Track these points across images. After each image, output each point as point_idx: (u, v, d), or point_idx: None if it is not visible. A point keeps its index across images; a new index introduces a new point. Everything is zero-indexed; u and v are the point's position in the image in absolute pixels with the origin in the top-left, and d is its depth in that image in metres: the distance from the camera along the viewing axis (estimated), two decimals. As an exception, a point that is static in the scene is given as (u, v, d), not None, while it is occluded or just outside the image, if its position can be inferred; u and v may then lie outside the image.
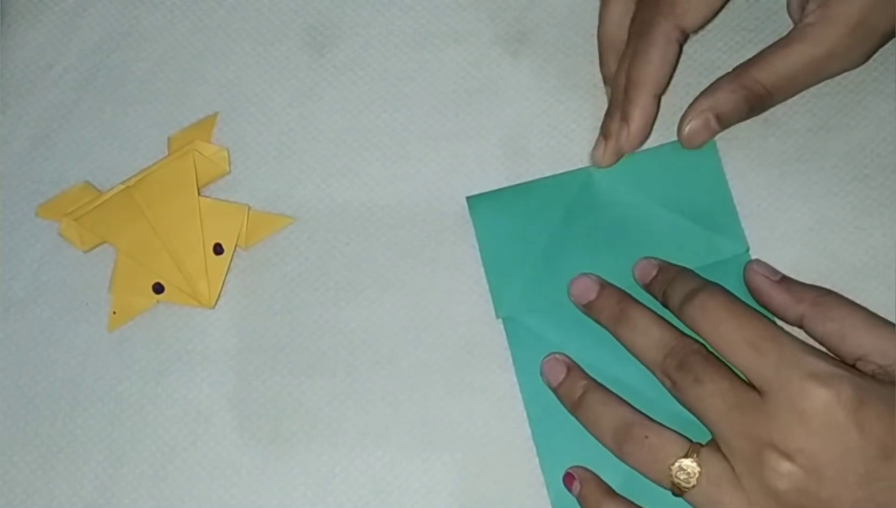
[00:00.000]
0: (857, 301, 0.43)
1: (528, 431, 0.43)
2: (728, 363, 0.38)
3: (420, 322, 0.45)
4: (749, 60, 0.43)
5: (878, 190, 0.45)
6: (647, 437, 0.39)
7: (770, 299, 0.41)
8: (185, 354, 0.46)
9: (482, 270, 0.45)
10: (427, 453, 0.43)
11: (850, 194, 0.45)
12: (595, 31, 0.47)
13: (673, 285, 0.41)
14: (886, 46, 0.46)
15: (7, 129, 0.49)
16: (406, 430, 0.44)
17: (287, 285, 0.46)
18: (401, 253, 0.46)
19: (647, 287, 0.43)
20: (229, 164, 0.48)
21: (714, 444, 0.38)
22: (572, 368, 0.42)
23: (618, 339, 0.41)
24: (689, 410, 0.39)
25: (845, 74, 0.46)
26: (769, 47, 0.43)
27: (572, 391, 0.41)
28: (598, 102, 0.47)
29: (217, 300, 0.46)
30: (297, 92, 0.49)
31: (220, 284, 0.46)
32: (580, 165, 0.46)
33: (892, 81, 0.46)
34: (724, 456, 0.37)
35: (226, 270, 0.46)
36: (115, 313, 0.46)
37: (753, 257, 0.44)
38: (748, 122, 0.46)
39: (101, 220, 0.46)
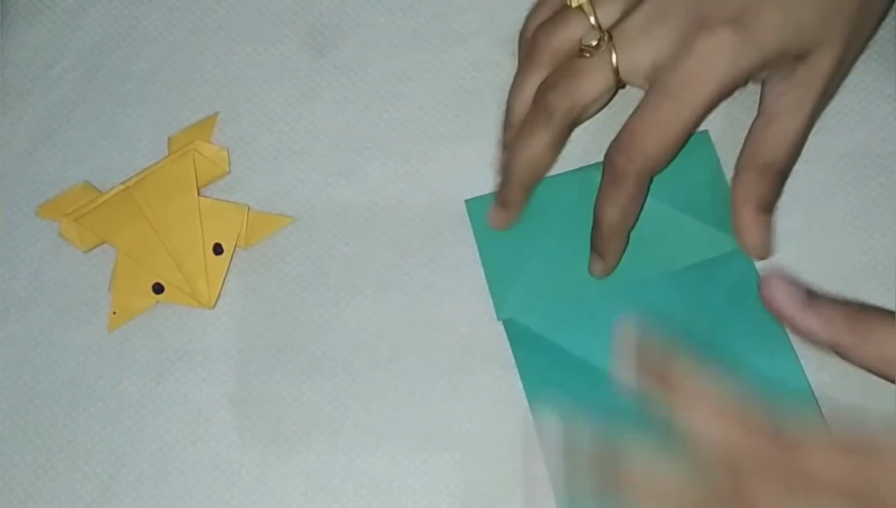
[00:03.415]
0: (857, 301, 0.44)
1: (528, 430, 0.43)
2: None
3: (420, 322, 0.45)
4: (748, 146, 0.43)
5: (878, 190, 0.45)
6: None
7: (795, 326, 0.37)
8: (185, 354, 0.46)
9: (482, 270, 0.45)
10: (427, 453, 0.43)
11: (850, 195, 0.45)
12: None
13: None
14: (886, 47, 0.46)
15: (7, 129, 0.49)
16: (406, 430, 0.44)
17: (287, 285, 0.46)
18: (401, 253, 0.46)
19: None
20: (229, 164, 0.48)
21: None
22: None
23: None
24: None
25: (845, 74, 0.46)
26: (753, 126, 0.43)
27: None
28: (598, 102, 0.47)
29: (217, 300, 0.46)
30: (297, 92, 0.49)
31: (220, 284, 0.46)
32: (580, 165, 0.46)
33: (892, 81, 0.46)
34: None
35: (226, 270, 0.46)
36: (115, 313, 0.46)
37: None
38: (748, 122, 0.46)
39: (101, 220, 0.46)
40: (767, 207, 0.43)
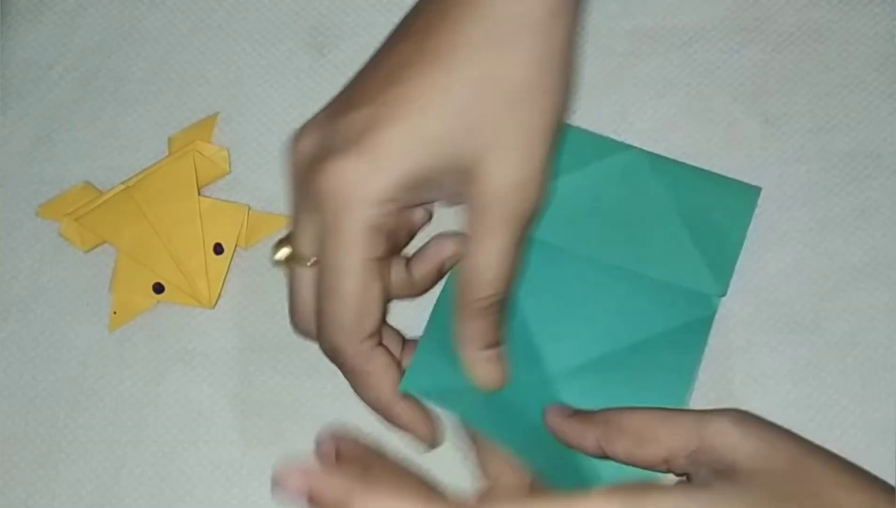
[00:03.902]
0: (857, 301, 0.44)
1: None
2: None
3: (420, 322, 0.45)
4: (458, 286, 0.38)
5: (879, 190, 0.45)
6: None
7: (565, 435, 0.39)
8: (186, 354, 0.46)
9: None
10: (428, 453, 0.43)
11: (850, 195, 0.45)
12: (594, 30, 0.47)
13: None
14: (886, 47, 0.46)
15: (7, 129, 0.49)
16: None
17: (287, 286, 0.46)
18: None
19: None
20: (229, 164, 0.48)
21: None
22: None
23: None
24: None
25: (846, 74, 0.46)
26: (462, 266, 0.38)
27: None
28: (598, 102, 0.47)
29: (217, 300, 0.46)
30: (297, 92, 0.49)
31: (221, 284, 0.46)
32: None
33: (892, 81, 0.46)
34: None
35: (226, 270, 0.46)
36: (115, 312, 0.46)
37: (751, 260, 0.44)
38: (748, 122, 0.46)
39: (101, 220, 0.46)
40: (494, 341, 0.39)
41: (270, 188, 0.47)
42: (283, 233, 0.41)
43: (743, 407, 0.43)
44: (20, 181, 0.48)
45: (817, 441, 0.43)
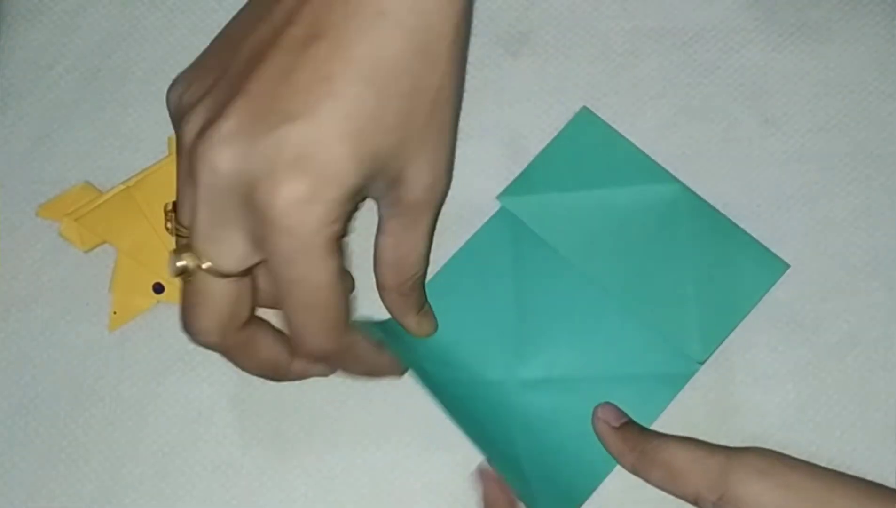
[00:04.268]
0: (857, 301, 0.44)
1: (529, 431, 0.43)
2: None
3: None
4: (378, 265, 0.41)
5: (879, 190, 0.45)
6: None
7: (609, 446, 0.42)
8: (186, 354, 0.46)
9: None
10: (428, 453, 0.43)
11: (850, 195, 0.45)
12: (594, 30, 0.47)
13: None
14: (886, 47, 0.46)
15: (7, 129, 0.49)
16: (407, 430, 0.44)
17: (287, 285, 0.46)
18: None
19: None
20: (229, 164, 0.48)
21: None
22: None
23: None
24: None
25: (846, 74, 0.46)
26: (379, 246, 0.40)
27: None
28: (598, 101, 0.47)
29: (217, 300, 0.46)
30: (297, 92, 0.49)
31: (221, 284, 0.46)
32: (580, 166, 0.46)
33: (892, 82, 0.46)
34: None
35: (226, 270, 0.46)
36: (115, 313, 0.46)
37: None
38: (748, 122, 0.46)
39: (101, 220, 0.46)
40: (423, 303, 0.43)
41: (270, 188, 0.47)
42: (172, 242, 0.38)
43: (743, 407, 0.43)
44: (20, 181, 0.48)
45: (817, 442, 0.43)
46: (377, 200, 0.40)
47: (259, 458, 0.44)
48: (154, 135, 0.48)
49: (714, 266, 0.44)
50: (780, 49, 0.47)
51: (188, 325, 0.38)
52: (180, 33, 0.50)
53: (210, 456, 0.44)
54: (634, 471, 0.41)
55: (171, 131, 0.48)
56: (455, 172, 0.47)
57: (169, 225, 0.39)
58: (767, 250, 0.44)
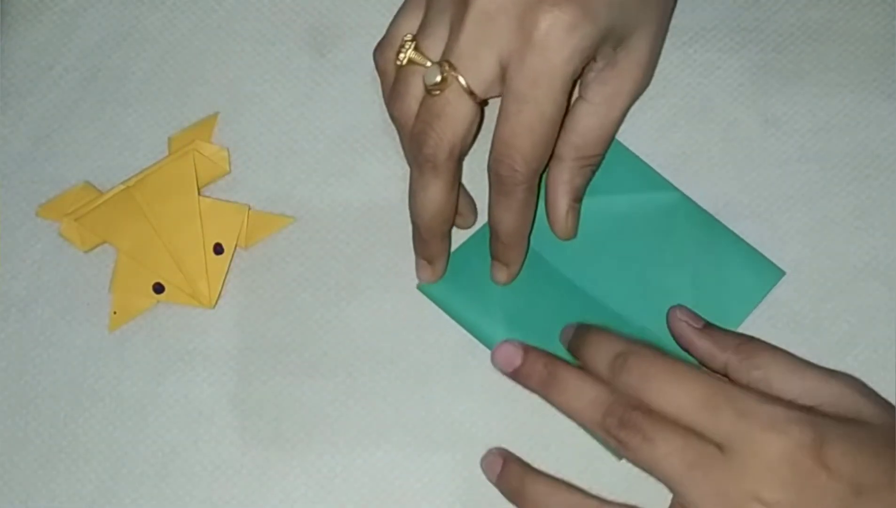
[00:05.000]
0: (858, 301, 0.44)
1: (529, 430, 0.43)
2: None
3: (420, 322, 0.45)
4: (564, 133, 0.43)
5: (879, 190, 0.45)
6: None
7: (694, 347, 0.41)
8: (186, 354, 0.46)
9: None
10: (428, 453, 0.43)
11: (850, 195, 0.45)
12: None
13: (594, 349, 0.40)
14: (886, 47, 0.46)
15: (7, 129, 0.49)
16: (407, 430, 0.44)
17: (287, 285, 0.46)
18: (401, 253, 0.46)
19: (570, 351, 0.42)
20: (229, 164, 0.48)
21: (677, 503, 0.37)
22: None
23: (552, 404, 0.40)
24: (644, 469, 0.37)
25: (846, 74, 0.46)
26: (574, 113, 0.43)
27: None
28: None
29: (217, 300, 0.46)
30: (297, 92, 0.49)
31: (221, 284, 0.46)
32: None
33: (892, 81, 0.46)
34: None
35: (226, 270, 0.46)
36: (115, 313, 0.46)
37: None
38: (748, 122, 0.46)
39: (101, 220, 0.46)
40: (581, 196, 0.44)
41: (270, 188, 0.47)
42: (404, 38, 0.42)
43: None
44: (20, 181, 0.48)
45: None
46: (593, 61, 0.42)
47: (259, 458, 0.44)
48: (154, 135, 0.48)
49: (711, 274, 0.44)
50: (780, 49, 0.47)
51: (422, 142, 0.40)
52: (180, 33, 0.50)
53: (210, 456, 0.44)
54: (723, 370, 0.40)
55: (171, 131, 0.48)
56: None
57: (402, 54, 0.41)
58: (764, 258, 0.44)
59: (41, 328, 0.46)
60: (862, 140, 0.46)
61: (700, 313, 0.42)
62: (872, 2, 0.47)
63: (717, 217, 0.45)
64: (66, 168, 0.48)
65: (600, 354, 0.39)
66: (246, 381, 0.45)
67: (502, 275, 0.44)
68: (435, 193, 0.41)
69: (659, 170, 0.45)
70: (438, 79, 0.39)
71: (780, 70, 0.47)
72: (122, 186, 0.47)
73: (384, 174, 0.47)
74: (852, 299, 0.44)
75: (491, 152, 0.40)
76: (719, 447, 0.36)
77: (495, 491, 0.42)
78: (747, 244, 0.44)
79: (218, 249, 0.46)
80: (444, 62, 0.39)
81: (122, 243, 0.46)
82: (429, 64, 0.40)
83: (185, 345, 0.46)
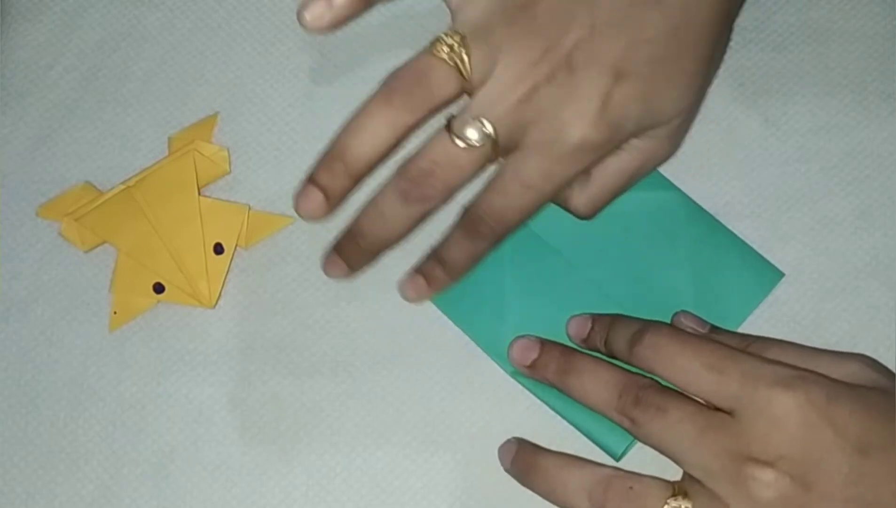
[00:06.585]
0: (858, 301, 0.44)
1: (529, 430, 0.43)
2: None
3: (420, 322, 0.45)
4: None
5: (879, 190, 0.45)
6: (630, 488, 0.38)
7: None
8: (186, 354, 0.46)
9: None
10: (428, 453, 0.43)
11: (850, 195, 0.45)
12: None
13: (614, 331, 0.41)
14: (886, 46, 0.46)
15: (7, 129, 0.49)
16: (407, 430, 0.44)
17: (287, 285, 0.46)
18: (401, 253, 0.46)
19: (586, 342, 0.42)
20: (229, 164, 0.48)
21: (690, 476, 0.37)
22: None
23: (568, 393, 0.41)
24: (655, 446, 0.38)
25: (846, 74, 0.46)
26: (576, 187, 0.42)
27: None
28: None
29: (217, 300, 0.46)
30: (297, 92, 0.49)
31: (221, 284, 0.46)
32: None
33: (892, 82, 0.46)
34: (705, 485, 0.36)
35: (226, 270, 0.46)
36: (115, 313, 0.46)
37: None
38: (748, 122, 0.46)
39: (101, 220, 0.46)
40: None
41: (270, 188, 0.47)
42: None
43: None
44: (20, 181, 0.48)
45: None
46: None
47: (259, 458, 0.44)
48: (154, 135, 0.48)
49: (710, 275, 0.44)
50: (780, 49, 0.47)
51: (421, 182, 0.38)
52: (180, 33, 0.50)
53: (210, 456, 0.44)
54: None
55: (171, 131, 0.48)
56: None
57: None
58: (763, 260, 0.44)
59: (41, 328, 0.46)
60: (862, 140, 0.46)
61: (700, 314, 0.42)
62: (872, 2, 0.47)
63: (717, 217, 0.45)
64: (66, 168, 0.48)
65: (621, 331, 0.40)
66: (246, 381, 0.45)
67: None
68: (406, 221, 0.40)
69: (659, 169, 0.45)
70: (478, 137, 0.38)
71: (780, 70, 0.47)
72: (122, 186, 0.47)
73: (384, 174, 0.47)
74: (852, 299, 0.44)
75: (476, 202, 0.40)
76: (730, 412, 0.36)
77: (495, 491, 0.42)
78: (748, 246, 0.44)
79: (218, 249, 0.46)
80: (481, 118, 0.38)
81: (122, 243, 0.46)
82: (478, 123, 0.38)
83: (185, 345, 0.46)
